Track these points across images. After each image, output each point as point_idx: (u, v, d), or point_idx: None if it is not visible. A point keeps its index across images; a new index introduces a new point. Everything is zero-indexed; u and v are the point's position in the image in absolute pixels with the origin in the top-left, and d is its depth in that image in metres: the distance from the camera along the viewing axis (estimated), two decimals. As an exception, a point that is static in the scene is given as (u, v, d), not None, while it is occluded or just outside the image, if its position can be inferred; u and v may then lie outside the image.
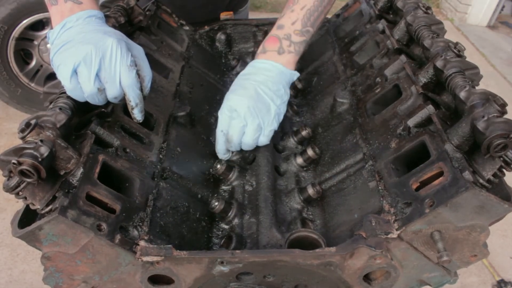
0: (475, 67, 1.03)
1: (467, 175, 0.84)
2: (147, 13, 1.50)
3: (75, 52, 0.98)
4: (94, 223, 0.85)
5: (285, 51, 1.22)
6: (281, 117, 1.21)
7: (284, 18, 1.26)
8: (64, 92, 1.02)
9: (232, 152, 1.25)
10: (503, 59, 5.82)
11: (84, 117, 1.04)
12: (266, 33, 1.77)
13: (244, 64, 1.70)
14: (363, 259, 0.92)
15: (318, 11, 1.26)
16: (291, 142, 1.32)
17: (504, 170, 0.87)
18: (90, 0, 1.10)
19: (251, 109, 1.13)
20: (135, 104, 1.06)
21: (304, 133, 1.30)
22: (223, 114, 1.16)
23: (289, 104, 1.48)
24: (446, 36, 1.20)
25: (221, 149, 1.21)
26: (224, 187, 1.23)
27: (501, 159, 0.84)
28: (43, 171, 0.80)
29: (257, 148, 1.23)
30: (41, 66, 3.61)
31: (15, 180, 0.81)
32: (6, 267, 2.73)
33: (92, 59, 0.97)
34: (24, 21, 3.36)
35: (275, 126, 1.18)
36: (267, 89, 1.17)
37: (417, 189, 0.92)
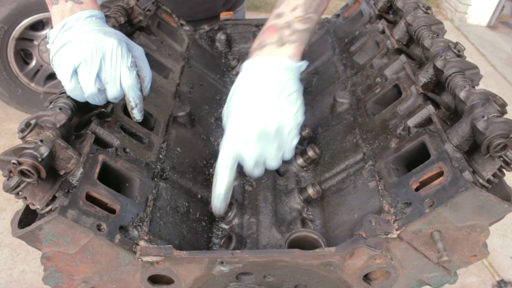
0: (475, 67, 1.03)
1: (467, 175, 0.84)
2: (147, 13, 1.50)
3: (75, 52, 0.98)
4: (94, 223, 0.85)
5: (287, 41, 1.01)
6: (302, 113, 1.00)
7: (282, 6, 1.07)
8: (64, 92, 1.02)
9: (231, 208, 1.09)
10: (503, 59, 5.82)
11: (84, 117, 1.04)
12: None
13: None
14: (363, 259, 0.92)
15: None
16: (291, 142, 1.32)
17: (504, 170, 0.87)
18: (90, 0, 1.10)
19: (263, 136, 0.95)
20: (135, 104, 1.06)
21: (304, 133, 1.30)
22: (225, 150, 0.97)
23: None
24: (446, 36, 1.20)
25: (219, 195, 1.00)
26: (224, 187, 1.23)
27: (501, 159, 0.84)
28: (43, 171, 0.80)
29: None
30: (41, 66, 3.61)
31: (15, 180, 0.81)
32: (6, 267, 2.73)
33: (92, 60, 0.97)
34: (24, 21, 3.35)
35: (295, 140, 1.00)
36: (277, 102, 0.95)
37: (417, 189, 0.92)
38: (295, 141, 1.00)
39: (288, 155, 1.02)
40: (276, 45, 1.01)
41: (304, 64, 1.03)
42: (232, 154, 0.97)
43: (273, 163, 1.00)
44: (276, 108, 0.95)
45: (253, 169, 1.00)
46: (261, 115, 0.95)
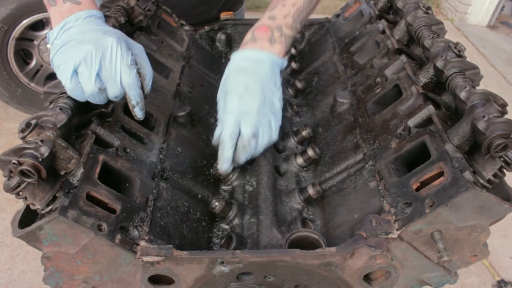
0: (475, 67, 1.03)
1: (468, 175, 0.84)
2: (147, 13, 1.50)
3: (75, 52, 0.98)
4: (95, 223, 0.85)
5: (277, 41, 1.20)
6: (281, 98, 1.20)
7: (276, 10, 1.24)
8: (65, 92, 1.02)
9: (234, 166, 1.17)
10: (503, 59, 5.82)
11: (84, 117, 1.04)
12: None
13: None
14: (363, 259, 0.92)
15: (306, 11, 1.26)
16: (292, 142, 1.32)
17: (504, 170, 0.87)
18: (89, 0, 1.10)
19: (261, 110, 1.10)
20: (136, 103, 1.06)
21: (304, 133, 1.30)
22: (230, 120, 1.10)
23: (289, 104, 1.48)
24: (446, 36, 1.20)
25: (227, 158, 1.11)
26: (224, 187, 1.23)
27: (502, 159, 0.84)
28: (43, 171, 0.80)
29: None
30: (41, 66, 3.61)
31: (15, 180, 0.81)
32: (6, 267, 2.73)
33: (92, 59, 0.97)
34: (24, 21, 3.36)
35: (280, 121, 1.17)
36: (269, 85, 1.14)
37: (418, 189, 0.92)
38: (279, 121, 1.17)
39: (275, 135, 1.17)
40: (268, 42, 1.20)
41: (285, 61, 1.23)
42: (236, 122, 1.10)
43: (267, 136, 1.13)
44: (269, 90, 1.15)
45: (250, 140, 1.10)
46: (259, 93, 1.12)
